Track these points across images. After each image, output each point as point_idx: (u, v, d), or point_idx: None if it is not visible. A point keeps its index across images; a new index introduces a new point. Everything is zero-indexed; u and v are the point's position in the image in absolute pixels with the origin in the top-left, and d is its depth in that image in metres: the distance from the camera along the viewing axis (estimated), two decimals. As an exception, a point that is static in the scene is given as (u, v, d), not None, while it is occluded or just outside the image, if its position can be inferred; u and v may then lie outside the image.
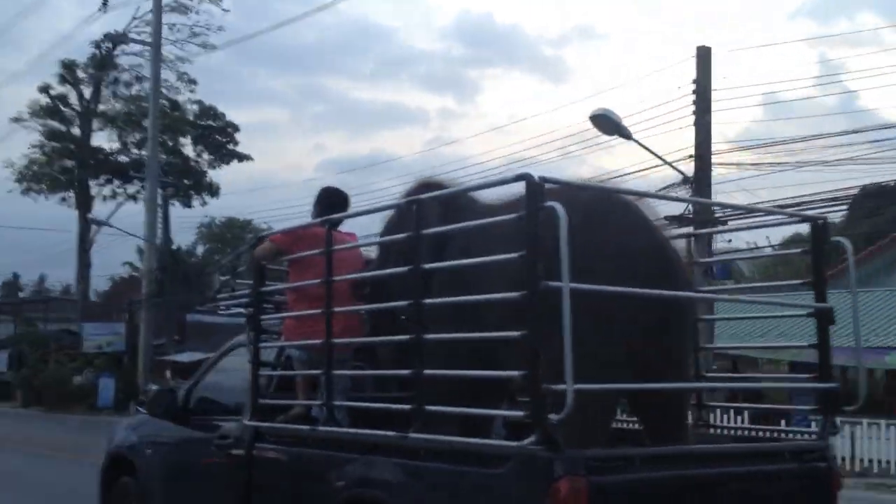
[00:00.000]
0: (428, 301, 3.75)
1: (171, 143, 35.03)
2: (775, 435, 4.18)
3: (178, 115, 35.79)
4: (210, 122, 36.90)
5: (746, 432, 4.40)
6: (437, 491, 3.72)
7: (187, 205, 35.24)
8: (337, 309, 4.34)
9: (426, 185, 4.56)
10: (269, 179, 71.48)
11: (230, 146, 37.03)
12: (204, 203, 35.97)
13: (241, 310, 5.10)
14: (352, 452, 4.14)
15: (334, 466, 4.25)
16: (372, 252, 5.04)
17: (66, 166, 36.40)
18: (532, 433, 3.23)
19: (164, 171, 30.08)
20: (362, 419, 4.39)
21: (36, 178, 36.19)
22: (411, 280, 3.84)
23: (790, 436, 4.25)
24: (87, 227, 34.50)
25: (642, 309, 3.66)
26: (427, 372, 3.72)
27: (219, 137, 36.85)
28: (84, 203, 35.75)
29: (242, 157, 36.89)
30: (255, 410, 4.83)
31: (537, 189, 3.26)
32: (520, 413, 3.30)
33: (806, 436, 4.25)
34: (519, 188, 3.71)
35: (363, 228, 5.31)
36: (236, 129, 37.25)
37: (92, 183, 36.20)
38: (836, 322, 3.97)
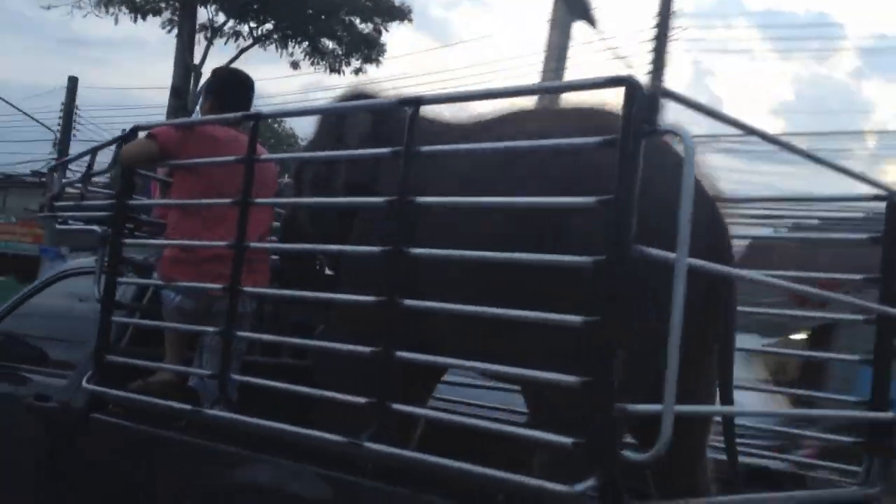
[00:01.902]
0: (421, 251, 2.53)
1: None
2: (808, 473, 3.28)
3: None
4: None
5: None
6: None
7: (336, 69, 20.25)
8: (254, 244, 3.02)
9: (364, 95, 3.32)
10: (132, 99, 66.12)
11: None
12: (359, 70, 20.29)
13: (94, 227, 3.64)
14: (255, 451, 2.88)
15: (222, 467, 2.97)
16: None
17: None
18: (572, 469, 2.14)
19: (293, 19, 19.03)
20: (253, 396, 3.14)
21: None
22: (361, 221, 2.64)
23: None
24: (186, 76, 19.23)
25: (698, 295, 2.63)
26: (401, 354, 2.52)
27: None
28: (188, 38, 19.51)
29: (404, 16, 20.41)
30: (100, 369, 3.43)
31: (649, 104, 2.11)
32: (566, 440, 2.16)
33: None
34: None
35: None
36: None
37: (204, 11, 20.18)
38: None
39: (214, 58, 20.16)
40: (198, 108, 3.41)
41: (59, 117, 21.16)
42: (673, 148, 2.76)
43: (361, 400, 2.58)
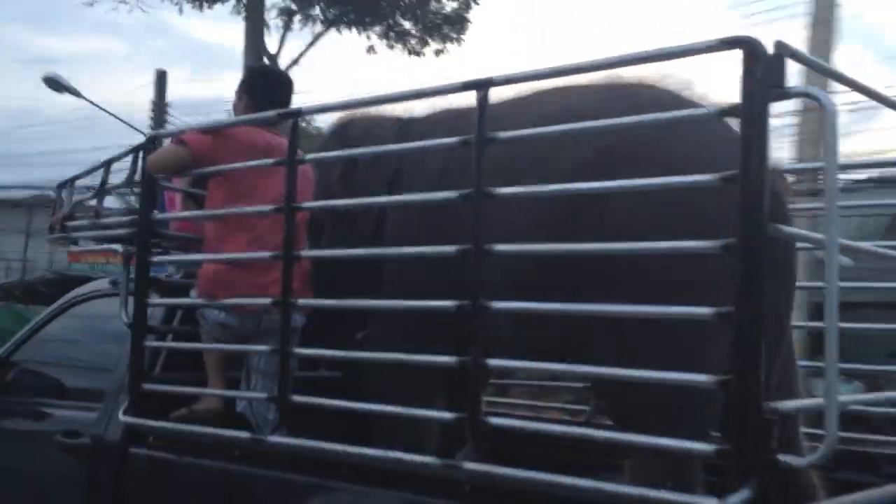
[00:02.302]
0: (505, 247, 2.28)
1: None
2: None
3: None
4: None
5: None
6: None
7: (415, 52, 17.64)
8: (306, 253, 2.76)
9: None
10: (97, 114, 64.94)
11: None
12: (440, 51, 17.54)
13: (114, 246, 3.36)
14: (327, 478, 2.62)
15: (292, 499, 2.71)
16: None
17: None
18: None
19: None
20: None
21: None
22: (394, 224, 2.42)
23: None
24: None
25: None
26: (499, 363, 2.27)
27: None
28: (256, 28, 16.78)
29: None
30: (137, 399, 3.16)
31: (774, 65, 1.87)
32: (708, 447, 1.93)
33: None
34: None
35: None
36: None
37: None
38: None
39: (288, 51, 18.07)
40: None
41: (151, 116, 19.12)
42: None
43: (448, 415, 2.35)
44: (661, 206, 2.37)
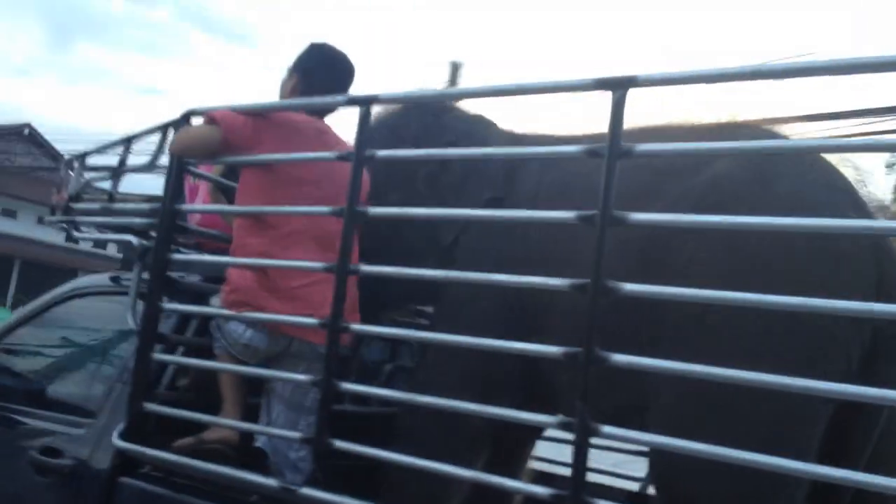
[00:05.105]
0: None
1: None
2: None
3: None
4: None
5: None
6: None
7: None
8: (366, 268, 2.28)
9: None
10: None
11: None
12: None
13: (129, 237, 2.86)
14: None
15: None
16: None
17: None
18: None
19: None
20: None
21: None
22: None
23: None
24: None
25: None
26: (613, 431, 1.80)
27: None
28: None
29: None
30: (136, 421, 2.66)
31: None
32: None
33: None
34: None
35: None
36: None
37: None
38: None
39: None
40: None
41: None
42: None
43: (544, 490, 1.87)
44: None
